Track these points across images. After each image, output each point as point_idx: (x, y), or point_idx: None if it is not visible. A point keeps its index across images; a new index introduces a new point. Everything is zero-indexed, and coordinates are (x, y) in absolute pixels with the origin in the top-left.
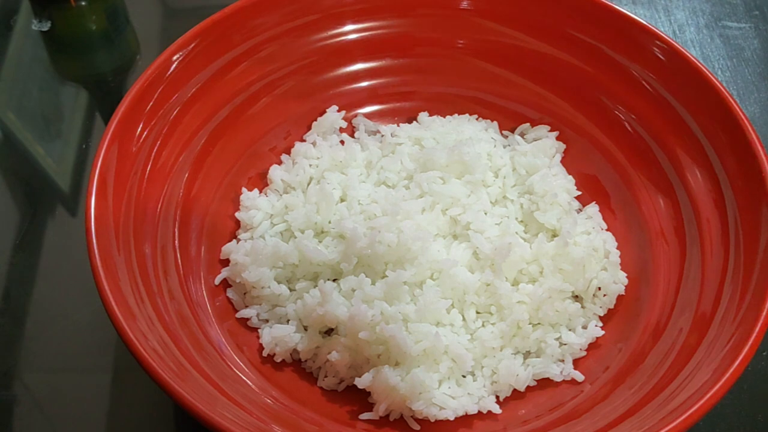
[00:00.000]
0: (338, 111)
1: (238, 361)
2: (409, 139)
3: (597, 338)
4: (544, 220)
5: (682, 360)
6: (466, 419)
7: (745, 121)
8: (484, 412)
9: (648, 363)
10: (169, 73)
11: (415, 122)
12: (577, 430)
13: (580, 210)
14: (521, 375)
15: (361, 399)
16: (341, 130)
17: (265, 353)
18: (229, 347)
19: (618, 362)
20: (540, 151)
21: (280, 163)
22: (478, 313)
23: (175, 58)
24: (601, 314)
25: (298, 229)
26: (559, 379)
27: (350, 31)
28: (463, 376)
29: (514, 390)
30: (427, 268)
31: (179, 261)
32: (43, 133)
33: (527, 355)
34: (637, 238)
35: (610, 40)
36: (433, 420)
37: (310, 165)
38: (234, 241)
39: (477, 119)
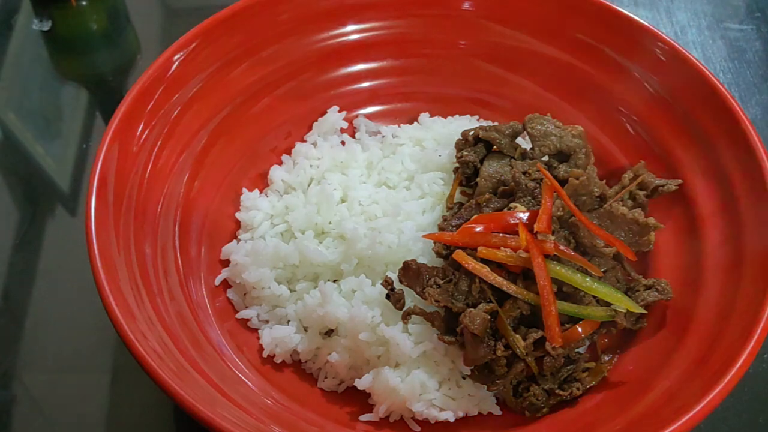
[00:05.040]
0: (339, 111)
1: (238, 361)
2: (410, 139)
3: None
4: None
5: (684, 361)
6: (466, 420)
7: (747, 122)
8: (485, 413)
9: (646, 369)
10: (169, 73)
11: (416, 123)
12: (577, 430)
13: None
14: None
15: (362, 400)
16: (342, 130)
17: (265, 354)
18: (229, 348)
19: (615, 368)
20: None
21: (280, 163)
22: None
23: (175, 58)
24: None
25: (299, 230)
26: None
27: (352, 31)
28: (463, 377)
29: None
30: None
31: (179, 261)
32: (43, 132)
33: None
34: None
35: (612, 41)
36: (433, 421)
37: (311, 165)
38: (234, 241)
39: (478, 120)
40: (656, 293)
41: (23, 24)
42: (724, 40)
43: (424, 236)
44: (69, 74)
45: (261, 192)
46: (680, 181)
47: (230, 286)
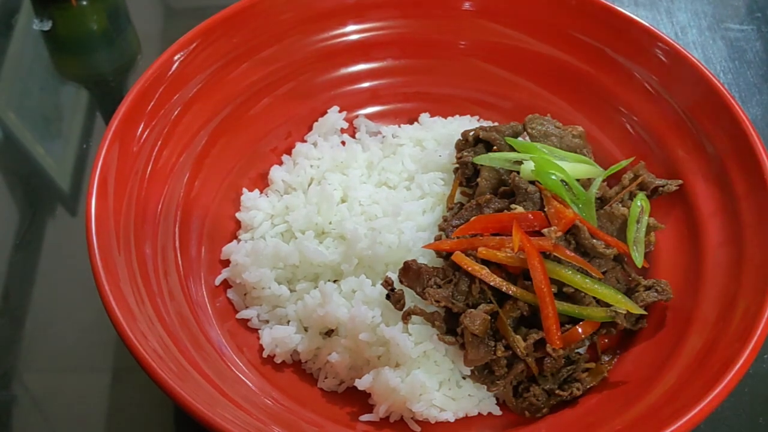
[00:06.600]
0: (339, 112)
1: (238, 361)
2: (411, 140)
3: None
4: None
5: (684, 361)
6: (466, 421)
7: (747, 123)
8: (485, 414)
9: (646, 369)
10: (170, 73)
11: (416, 123)
12: (577, 431)
13: None
14: None
15: (362, 400)
16: (342, 130)
17: (265, 354)
18: (229, 348)
19: (615, 368)
20: None
21: (281, 163)
22: None
23: (176, 58)
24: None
25: (299, 230)
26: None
27: (352, 31)
28: (464, 378)
29: None
30: None
31: (180, 261)
32: (43, 132)
33: None
34: None
35: (612, 41)
36: (433, 422)
37: (311, 165)
38: (234, 241)
39: (478, 120)
40: (656, 294)
41: (23, 24)
42: (725, 41)
43: (424, 247)
44: (69, 74)
45: (261, 192)
46: (680, 181)
47: (230, 286)
